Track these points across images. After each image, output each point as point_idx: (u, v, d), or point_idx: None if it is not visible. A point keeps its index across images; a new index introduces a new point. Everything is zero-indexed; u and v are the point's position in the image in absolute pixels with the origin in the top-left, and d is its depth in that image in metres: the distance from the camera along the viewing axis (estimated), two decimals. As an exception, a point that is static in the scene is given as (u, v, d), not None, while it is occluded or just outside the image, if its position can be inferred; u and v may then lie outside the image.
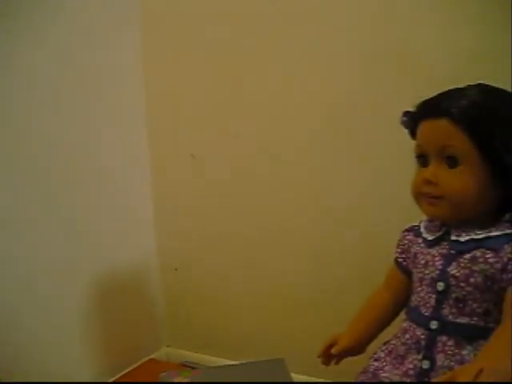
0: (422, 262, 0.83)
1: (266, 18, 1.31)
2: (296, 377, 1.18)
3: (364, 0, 1.20)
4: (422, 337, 0.79)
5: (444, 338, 0.77)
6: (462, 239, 0.78)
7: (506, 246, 0.74)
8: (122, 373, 1.45)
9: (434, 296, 0.79)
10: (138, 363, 1.50)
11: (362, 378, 0.87)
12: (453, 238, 0.80)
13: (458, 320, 0.77)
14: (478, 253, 0.76)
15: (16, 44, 1.16)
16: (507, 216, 0.78)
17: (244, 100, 1.37)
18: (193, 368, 1.46)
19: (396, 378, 0.81)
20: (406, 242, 0.89)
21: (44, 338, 1.24)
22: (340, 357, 0.91)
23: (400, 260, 0.90)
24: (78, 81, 1.30)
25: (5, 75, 1.14)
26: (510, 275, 0.73)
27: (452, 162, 0.77)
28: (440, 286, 0.79)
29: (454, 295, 0.77)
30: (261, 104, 1.35)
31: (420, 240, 0.85)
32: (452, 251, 0.79)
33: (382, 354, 0.87)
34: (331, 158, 1.29)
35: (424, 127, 0.81)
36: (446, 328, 0.77)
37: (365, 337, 0.91)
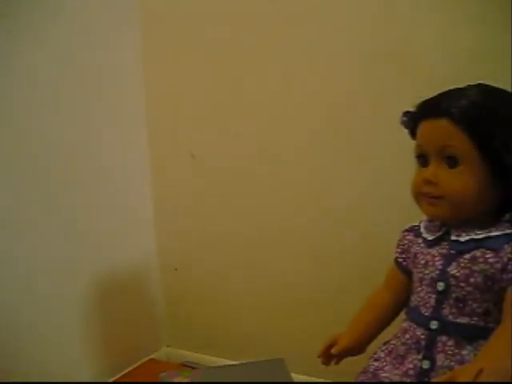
0: (422, 262, 0.83)
1: (265, 18, 1.31)
2: (296, 377, 1.18)
3: (364, 0, 1.20)
4: (422, 337, 0.79)
5: (444, 338, 0.77)
6: (462, 239, 0.78)
7: (506, 246, 0.75)
8: (122, 373, 1.45)
9: (434, 296, 0.79)
10: (138, 363, 1.50)
11: (361, 378, 0.87)
12: (453, 238, 0.80)
13: (458, 320, 0.77)
14: (477, 253, 0.76)
15: (16, 44, 1.16)
16: (507, 216, 0.78)
17: (244, 100, 1.37)
18: (193, 368, 1.46)
19: (396, 378, 0.81)
20: (406, 242, 0.89)
21: (44, 338, 1.24)
22: (340, 357, 0.91)
23: (400, 260, 0.90)
24: (77, 81, 1.30)
25: (5, 75, 1.14)
26: (509, 275, 0.74)
27: (452, 161, 0.77)
28: (440, 285, 0.79)
29: (454, 295, 0.77)
30: (261, 104, 1.35)
31: (420, 240, 0.85)
32: (452, 251, 0.79)
33: (382, 354, 0.87)
34: (331, 158, 1.29)
35: (424, 127, 0.81)
36: (446, 328, 0.77)
37: (365, 337, 0.91)
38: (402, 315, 0.89)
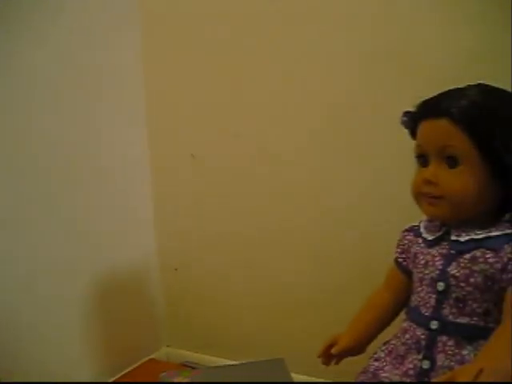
0: (422, 262, 0.83)
1: (265, 18, 1.31)
2: (296, 377, 1.18)
3: (364, 0, 1.20)
4: (422, 337, 0.79)
5: (444, 338, 0.77)
6: (462, 239, 0.78)
7: (505, 246, 0.75)
8: (122, 373, 1.45)
9: (434, 296, 0.79)
10: (138, 363, 1.50)
11: (361, 378, 0.87)
12: (453, 238, 0.80)
13: (458, 320, 0.77)
14: (477, 253, 0.76)
15: (16, 44, 1.16)
16: (507, 216, 0.78)
17: (244, 100, 1.37)
18: (193, 368, 1.46)
19: (396, 378, 0.81)
20: (406, 242, 0.89)
21: (44, 338, 1.24)
22: (340, 357, 0.91)
23: (400, 260, 0.90)
24: (78, 81, 1.30)
25: (5, 75, 1.14)
26: (509, 275, 0.74)
27: (452, 161, 0.77)
28: (440, 285, 0.79)
29: (454, 295, 0.77)
30: (261, 104, 1.35)
31: (420, 240, 0.85)
32: (452, 251, 0.79)
33: (382, 354, 0.87)
34: (331, 158, 1.29)
35: (424, 127, 0.81)
36: (446, 328, 0.77)
37: (365, 337, 0.91)
38: (402, 315, 0.89)
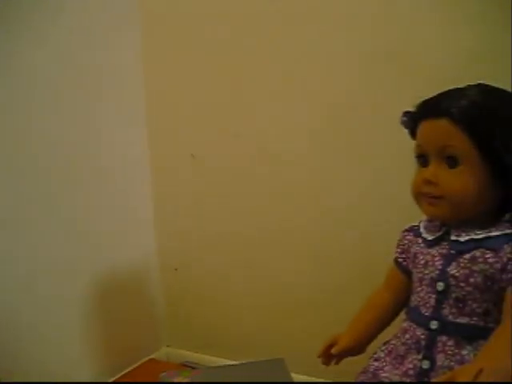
0: (422, 262, 0.83)
1: (266, 18, 1.31)
2: (296, 377, 1.18)
3: (364, 0, 1.20)
4: (422, 337, 0.79)
5: (444, 338, 0.77)
6: (462, 239, 0.78)
7: (505, 246, 0.75)
8: (122, 373, 1.45)
9: (433, 296, 0.79)
10: (138, 363, 1.50)
11: (361, 378, 0.87)
12: (452, 238, 0.80)
13: (457, 320, 0.77)
14: (477, 253, 0.76)
15: (16, 44, 1.16)
16: (507, 216, 0.78)
17: (244, 100, 1.37)
18: (193, 368, 1.46)
19: (396, 378, 0.81)
20: (406, 242, 0.89)
21: (44, 338, 1.24)
22: (340, 357, 0.91)
23: (400, 260, 0.90)
24: (78, 81, 1.30)
25: (5, 75, 1.14)
26: (509, 275, 0.74)
27: (452, 161, 0.77)
28: (440, 285, 0.79)
29: (453, 295, 0.77)
30: (261, 104, 1.35)
31: (420, 240, 0.85)
32: (452, 251, 0.79)
33: (382, 354, 0.87)
34: (331, 158, 1.29)
35: (424, 127, 0.81)
36: (446, 328, 0.77)
37: (365, 337, 0.91)
38: (402, 315, 0.89)
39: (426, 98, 0.82)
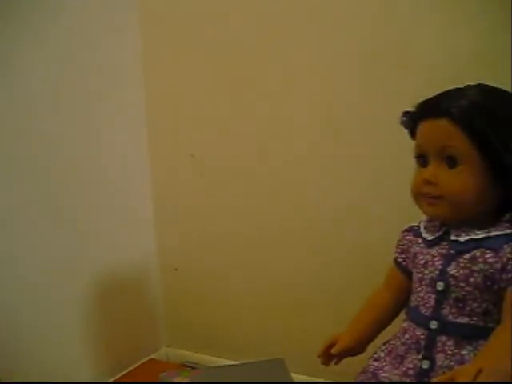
0: (422, 262, 0.83)
1: (265, 18, 1.31)
2: (296, 377, 1.18)
3: (364, 0, 1.20)
4: (422, 337, 0.79)
5: (444, 338, 0.77)
6: (462, 239, 0.78)
7: (505, 246, 0.75)
8: (122, 373, 1.45)
9: (433, 296, 0.79)
10: (138, 363, 1.50)
11: (361, 378, 0.87)
12: (452, 238, 0.80)
13: (457, 320, 0.77)
14: (477, 253, 0.76)
15: (16, 44, 1.16)
16: (507, 216, 0.78)
17: (244, 100, 1.37)
18: (193, 368, 1.46)
19: (396, 378, 0.81)
20: (406, 242, 0.89)
21: (44, 338, 1.24)
22: (340, 357, 0.91)
23: (400, 260, 0.90)
24: (78, 81, 1.30)
25: (5, 75, 1.14)
26: (509, 275, 0.74)
27: (452, 162, 0.77)
28: (440, 285, 0.79)
29: (453, 295, 0.77)
30: (261, 104, 1.35)
31: (420, 240, 0.85)
32: (452, 251, 0.79)
33: (382, 354, 0.87)
34: (331, 158, 1.29)
35: (424, 127, 0.81)
36: (446, 328, 0.77)
37: (365, 337, 0.91)
38: (402, 315, 0.89)
39: (426, 98, 0.82)
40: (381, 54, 1.18)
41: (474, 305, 0.76)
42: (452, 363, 0.75)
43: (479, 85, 0.80)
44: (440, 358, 0.77)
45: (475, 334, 0.76)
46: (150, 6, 1.45)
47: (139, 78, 1.49)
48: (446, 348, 0.76)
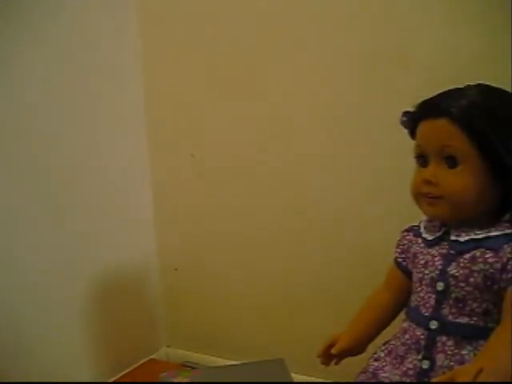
0: (422, 262, 0.83)
1: (265, 18, 1.31)
2: (296, 377, 1.18)
3: (364, 0, 1.20)
4: (422, 337, 0.79)
5: (444, 338, 0.77)
6: (462, 239, 0.78)
7: (505, 246, 0.75)
8: (122, 373, 1.45)
9: (433, 296, 0.80)
10: (138, 363, 1.50)
11: (361, 378, 0.87)
12: (452, 238, 0.80)
13: (457, 320, 0.77)
14: (477, 253, 0.76)
15: (16, 44, 1.16)
16: (507, 216, 0.79)
17: (244, 100, 1.37)
18: (193, 368, 1.46)
19: (396, 378, 0.81)
20: (406, 242, 0.89)
21: (44, 338, 1.24)
22: (340, 357, 0.91)
23: (400, 260, 0.90)
24: (77, 81, 1.30)
25: (5, 75, 1.14)
26: (509, 275, 0.74)
27: (451, 161, 0.77)
28: (440, 285, 0.79)
29: (453, 295, 0.77)
30: (261, 104, 1.35)
31: (420, 240, 0.85)
32: (452, 251, 0.79)
33: (382, 354, 0.87)
34: (331, 158, 1.29)
35: (423, 127, 0.81)
36: (446, 328, 0.77)
37: (365, 336, 0.91)
38: (402, 315, 0.89)
39: (426, 98, 0.82)
40: (381, 53, 1.18)
41: (474, 305, 0.76)
42: (452, 363, 0.75)
43: (479, 85, 0.80)
44: (440, 358, 0.77)
45: (475, 334, 0.76)
46: (150, 5, 1.45)
47: (139, 78, 1.49)
48: (446, 348, 0.76)
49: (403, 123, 0.85)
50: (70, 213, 1.29)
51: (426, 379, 0.77)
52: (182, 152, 1.48)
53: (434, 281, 0.80)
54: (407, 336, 0.82)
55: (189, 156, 1.47)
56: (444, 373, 0.74)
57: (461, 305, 0.77)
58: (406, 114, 0.85)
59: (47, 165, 1.24)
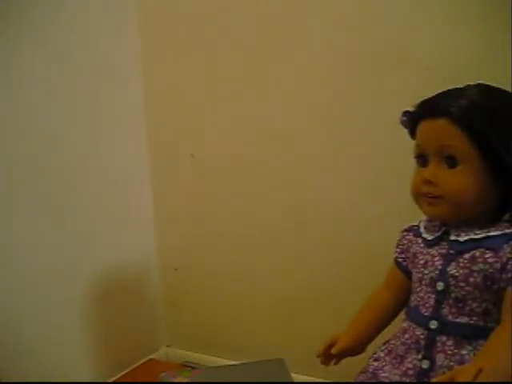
0: (422, 261, 0.83)
1: (266, 18, 1.31)
2: (296, 377, 1.18)
3: (364, 0, 1.20)
4: (422, 337, 0.79)
5: (443, 338, 0.77)
6: (462, 239, 0.78)
7: (505, 246, 0.75)
8: (122, 373, 1.45)
9: (433, 296, 0.80)
10: (138, 363, 1.50)
11: (361, 378, 0.87)
12: (452, 237, 0.80)
13: (457, 320, 0.77)
14: (477, 253, 0.76)
15: (16, 44, 1.16)
16: (507, 216, 0.79)
17: (244, 100, 1.37)
18: (193, 368, 1.46)
19: (395, 378, 0.81)
20: (406, 241, 0.89)
21: (44, 338, 1.24)
22: (340, 357, 0.91)
23: (400, 260, 0.90)
24: (77, 81, 1.30)
25: (5, 75, 1.14)
26: (509, 275, 0.74)
27: (451, 161, 0.77)
28: (439, 285, 0.79)
29: (453, 295, 0.77)
30: (261, 104, 1.35)
31: (419, 240, 0.85)
32: (451, 251, 0.79)
33: (382, 354, 0.87)
34: (331, 158, 1.29)
35: (423, 127, 0.81)
36: (446, 328, 0.77)
37: (365, 336, 0.91)
38: (402, 315, 0.89)
39: (426, 97, 0.82)
40: (381, 53, 1.18)
41: (474, 305, 0.76)
42: (452, 363, 0.75)
43: (479, 84, 0.80)
44: (440, 358, 0.77)
45: (475, 334, 0.76)
46: (150, 5, 1.45)
47: (139, 78, 1.49)
48: (446, 348, 0.76)
49: (403, 123, 0.85)
50: (69, 213, 1.29)
51: (425, 379, 0.77)
52: (182, 152, 1.48)
53: (433, 281, 0.80)
54: (407, 336, 0.82)
55: (189, 156, 1.47)
56: (444, 373, 0.74)
57: (460, 305, 0.77)
58: (405, 113, 0.85)
59: (47, 165, 1.23)
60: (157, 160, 1.53)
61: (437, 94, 0.81)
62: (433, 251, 0.81)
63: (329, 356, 0.91)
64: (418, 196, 0.82)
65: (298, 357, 1.24)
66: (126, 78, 1.46)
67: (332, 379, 1.27)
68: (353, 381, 0.89)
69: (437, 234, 0.82)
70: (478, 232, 0.77)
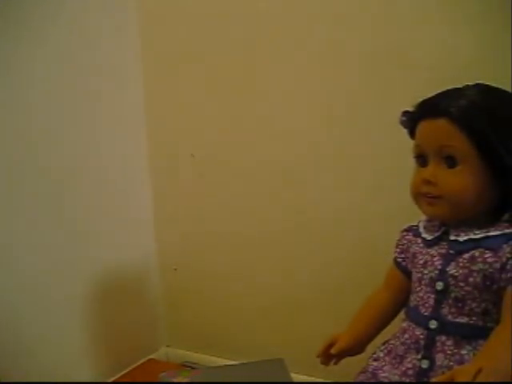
0: (421, 261, 0.83)
1: (266, 18, 1.31)
2: (296, 377, 1.18)
3: (364, 0, 1.20)
4: (421, 336, 0.79)
5: (443, 338, 0.77)
6: (461, 239, 0.78)
7: (504, 246, 0.75)
8: (122, 373, 1.45)
9: (433, 296, 0.80)
10: (138, 363, 1.50)
11: (361, 378, 0.87)
12: (452, 237, 0.80)
13: (457, 320, 0.77)
14: (476, 253, 0.76)
15: (16, 44, 1.16)
16: (506, 216, 0.79)
17: (244, 100, 1.37)
18: (193, 368, 1.46)
19: (395, 378, 0.81)
20: (405, 241, 0.89)
21: (44, 338, 1.24)
22: (339, 357, 0.91)
23: (399, 260, 0.90)
24: (77, 81, 1.30)
25: (5, 75, 1.14)
26: (508, 275, 0.74)
27: (451, 161, 0.77)
28: (439, 285, 0.79)
29: (453, 295, 0.77)
30: (261, 104, 1.35)
31: (419, 240, 0.85)
32: (451, 251, 0.79)
33: (382, 354, 0.87)
34: (331, 158, 1.29)
35: (423, 127, 0.81)
36: (445, 328, 0.77)
37: (365, 336, 0.91)
38: (402, 315, 0.89)
39: (425, 97, 0.82)
40: (381, 53, 1.18)
41: (474, 304, 0.76)
42: (451, 363, 0.75)
43: (478, 84, 0.80)
44: (439, 358, 0.77)
45: (474, 334, 0.76)
46: (150, 5, 1.45)
47: (139, 78, 1.49)
48: (446, 348, 0.76)
49: (403, 123, 0.85)
50: (69, 213, 1.29)
51: (425, 379, 0.77)
52: (182, 152, 1.48)
53: (433, 280, 0.80)
54: (406, 336, 0.82)
55: (189, 156, 1.47)
56: (443, 372, 0.74)
57: (460, 304, 0.77)
58: (405, 113, 0.85)
59: (47, 165, 1.24)
60: (157, 160, 1.53)
61: (436, 94, 0.81)
62: (432, 251, 0.81)
63: (328, 356, 0.91)
64: (418, 196, 0.82)
65: (298, 357, 1.24)
66: (125, 78, 1.46)
67: (332, 379, 1.27)
68: (352, 381, 0.89)
69: (436, 234, 0.82)
70: (477, 232, 0.77)
